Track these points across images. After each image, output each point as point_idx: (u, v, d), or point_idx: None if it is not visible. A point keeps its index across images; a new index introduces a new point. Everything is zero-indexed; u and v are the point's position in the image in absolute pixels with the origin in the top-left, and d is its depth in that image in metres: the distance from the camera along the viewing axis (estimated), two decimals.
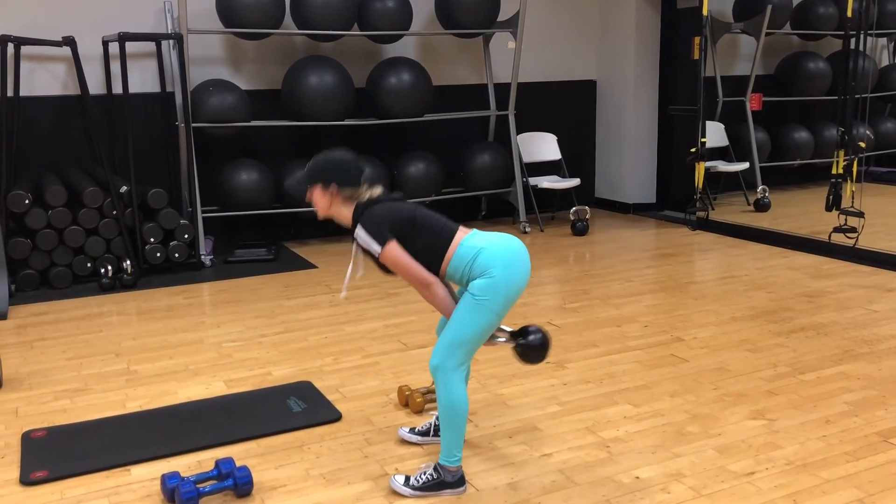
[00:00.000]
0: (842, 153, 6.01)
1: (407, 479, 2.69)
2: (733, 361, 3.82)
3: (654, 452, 2.94)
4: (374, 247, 2.62)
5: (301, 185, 2.72)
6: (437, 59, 7.04)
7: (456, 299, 2.70)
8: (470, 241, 2.65)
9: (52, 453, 3.00)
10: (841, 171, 6.00)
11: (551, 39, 7.61)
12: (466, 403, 2.65)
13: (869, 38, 7.03)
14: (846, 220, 5.79)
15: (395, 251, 2.62)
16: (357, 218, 2.67)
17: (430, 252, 2.65)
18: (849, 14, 5.97)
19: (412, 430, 3.06)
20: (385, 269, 2.71)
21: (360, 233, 2.65)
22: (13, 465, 2.94)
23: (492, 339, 2.74)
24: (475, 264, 2.60)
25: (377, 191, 2.73)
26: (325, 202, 2.71)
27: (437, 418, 2.90)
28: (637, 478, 2.76)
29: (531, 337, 2.75)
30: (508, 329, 2.80)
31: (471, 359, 2.73)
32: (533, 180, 7.10)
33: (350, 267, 2.79)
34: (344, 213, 2.72)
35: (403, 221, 2.66)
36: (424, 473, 2.68)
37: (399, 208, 2.70)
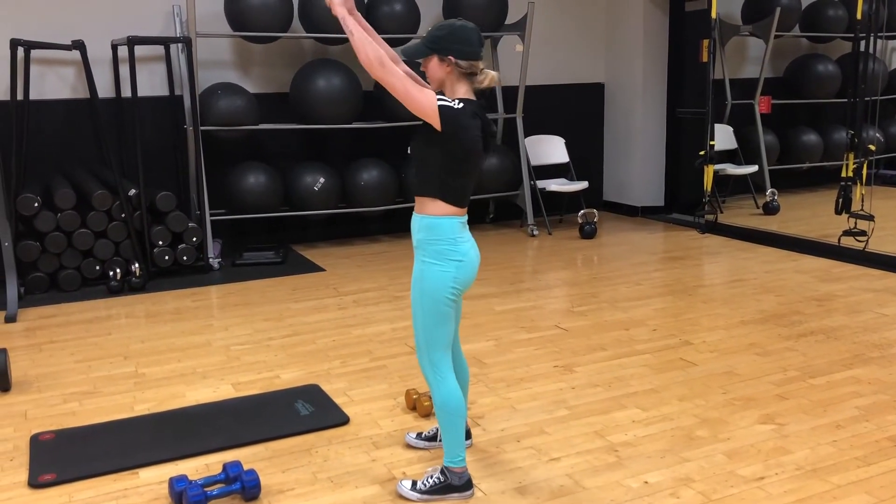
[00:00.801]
0: (851, 156, 5.98)
1: (414, 483, 2.69)
2: (742, 365, 3.81)
3: (662, 457, 2.92)
4: (443, 100, 2.45)
5: (420, 51, 2.57)
6: None
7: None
8: (460, 225, 2.58)
9: (60, 456, 3.00)
10: (850, 174, 5.97)
11: (559, 42, 7.60)
12: (460, 400, 2.64)
13: (879, 41, 7.00)
14: (856, 223, 5.76)
15: (430, 105, 2.43)
16: (463, 102, 2.49)
17: (440, 184, 2.53)
18: (858, 16, 5.94)
19: (419, 436, 3.06)
20: (418, 148, 2.57)
21: (455, 101, 2.47)
22: (22, 467, 2.94)
23: None
24: (442, 247, 2.54)
25: (492, 75, 2.58)
26: (440, 74, 2.55)
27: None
28: (646, 482, 2.75)
29: None
30: None
31: (452, 347, 2.72)
32: (541, 183, 7.09)
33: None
34: (457, 91, 2.54)
35: (468, 148, 2.50)
36: (431, 477, 2.67)
37: (478, 142, 2.53)
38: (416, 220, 2.65)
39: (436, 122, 2.47)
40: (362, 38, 2.51)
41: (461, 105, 2.51)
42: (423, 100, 2.47)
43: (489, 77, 2.59)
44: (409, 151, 2.64)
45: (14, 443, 3.15)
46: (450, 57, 2.54)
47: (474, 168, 2.60)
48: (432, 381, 2.64)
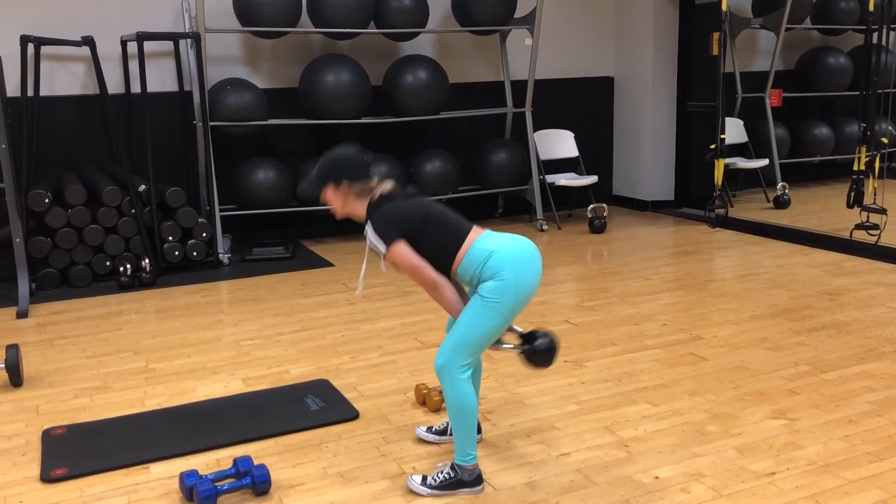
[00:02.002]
0: (864, 149, 5.93)
1: (424, 478, 2.68)
2: (753, 360, 3.79)
3: (673, 452, 2.91)
4: (381, 247, 2.61)
5: (314, 188, 2.72)
6: (453, 57, 7.02)
7: (465, 300, 2.67)
8: (482, 243, 2.61)
9: (71, 451, 3.02)
10: (863, 167, 5.92)
11: (568, 36, 7.57)
12: (474, 401, 2.64)
13: (892, 33, 6.94)
14: (868, 216, 5.72)
15: (401, 252, 2.59)
16: (370, 214, 2.66)
17: (442, 251, 2.62)
18: (871, 8, 5.89)
19: (429, 429, 3.06)
20: (397, 270, 2.69)
21: (368, 232, 2.64)
22: (34, 462, 2.96)
23: (497, 345, 2.70)
24: (486, 266, 2.57)
25: (388, 185, 2.72)
26: (339, 200, 2.71)
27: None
28: (656, 477, 2.74)
29: (538, 342, 2.70)
30: (519, 330, 2.77)
31: (476, 358, 2.71)
32: (550, 178, 7.07)
33: (364, 263, 2.80)
34: (359, 210, 2.71)
35: (414, 220, 2.64)
36: (441, 472, 2.67)
37: (411, 206, 2.68)
38: (457, 280, 2.71)
39: (405, 245, 2.60)
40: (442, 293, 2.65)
41: (375, 214, 2.64)
42: (405, 261, 2.60)
43: (385, 188, 2.71)
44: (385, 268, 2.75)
45: (26, 437, 3.16)
46: (343, 184, 2.67)
47: (437, 214, 2.68)
48: (449, 381, 2.61)
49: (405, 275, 2.67)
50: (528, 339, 2.73)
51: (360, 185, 2.68)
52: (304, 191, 2.76)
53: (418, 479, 2.69)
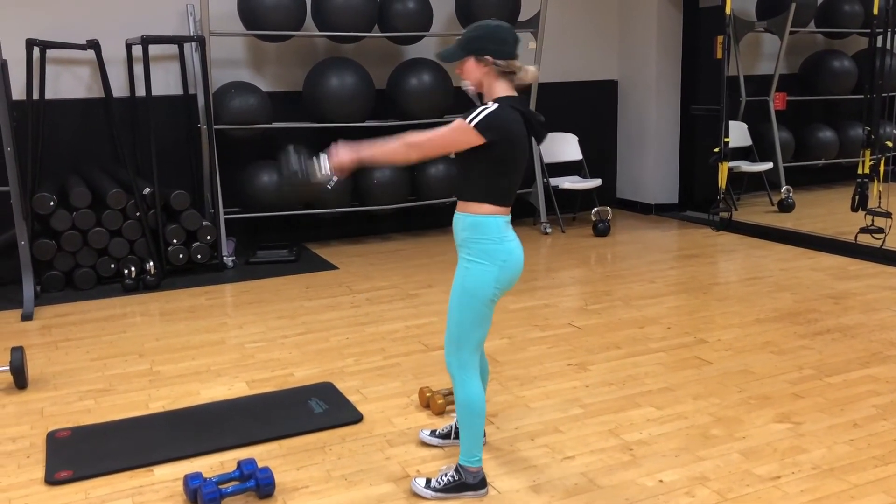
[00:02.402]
0: (868, 153, 5.92)
1: (428, 481, 2.68)
2: (758, 364, 3.78)
3: (677, 456, 2.91)
4: (473, 117, 2.44)
5: (454, 54, 2.55)
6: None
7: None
8: (505, 224, 2.57)
9: (76, 453, 3.02)
10: (867, 170, 5.92)
11: (572, 39, 7.57)
12: (483, 401, 2.64)
13: None
14: (873, 220, 5.71)
15: (466, 138, 2.44)
16: (500, 103, 2.49)
17: (486, 186, 2.52)
18: (875, 12, 5.88)
19: (433, 433, 3.05)
20: (456, 160, 2.56)
21: (489, 106, 2.47)
22: (38, 464, 2.96)
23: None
24: (487, 247, 2.53)
25: (531, 73, 2.59)
26: (477, 75, 2.54)
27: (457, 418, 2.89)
28: (661, 481, 2.73)
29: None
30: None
31: (482, 348, 2.71)
32: (554, 181, 7.07)
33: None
34: (495, 91, 2.53)
35: (510, 142, 2.49)
36: (445, 475, 2.67)
37: (522, 142, 2.54)
38: (460, 219, 2.62)
39: (479, 140, 2.46)
40: (385, 150, 2.55)
41: (495, 107, 2.49)
42: (459, 133, 2.46)
43: (529, 73, 2.60)
44: (452, 156, 2.61)
45: (31, 440, 3.17)
46: (487, 57, 2.52)
47: (520, 165, 2.59)
48: (458, 379, 2.62)
49: (465, 164, 2.54)
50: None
51: (504, 62, 2.52)
52: (443, 55, 2.59)
53: (422, 481, 2.69)
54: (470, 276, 2.56)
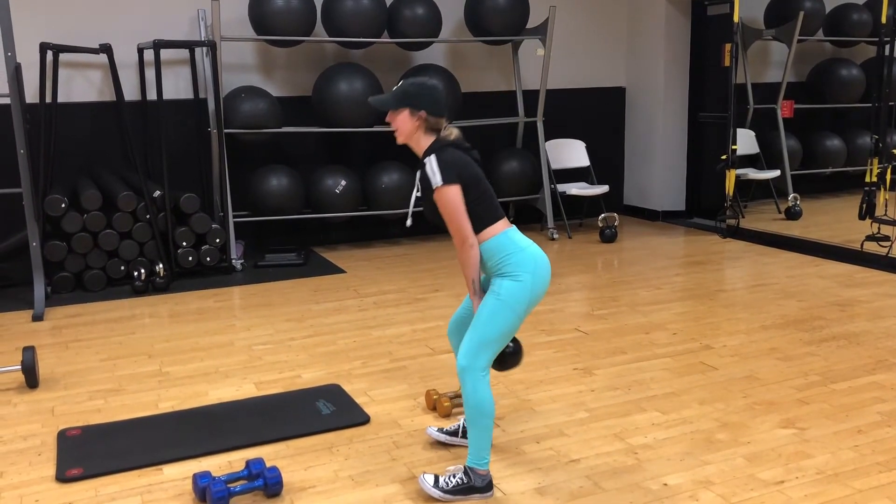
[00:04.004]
0: (875, 161, 5.93)
1: (436, 479, 2.70)
2: (763, 370, 3.79)
3: (682, 459, 2.93)
4: (437, 178, 2.60)
5: (390, 103, 2.69)
6: (465, 66, 7.07)
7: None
8: (513, 235, 2.69)
9: (86, 451, 3.06)
10: (874, 179, 5.92)
11: (580, 46, 7.61)
12: (493, 404, 2.66)
13: None
14: (879, 228, 5.71)
15: (454, 194, 2.60)
16: (435, 150, 2.66)
17: (478, 218, 2.65)
18: (883, 20, 5.89)
19: (441, 430, 3.08)
20: (433, 213, 2.69)
21: (430, 161, 2.63)
22: (49, 462, 3.00)
23: None
24: (510, 260, 2.63)
25: (455, 132, 2.74)
26: (408, 126, 2.69)
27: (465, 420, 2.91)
28: (665, 484, 2.75)
29: (508, 346, 2.76)
30: None
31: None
32: (561, 187, 7.10)
33: (413, 195, 2.80)
34: (422, 143, 2.70)
35: (471, 175, 2.66)
36: (454, 477, 2.69)
37: (472, 164, 2.71)
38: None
39: (458, 188, 2.63)
40: (469, 272, 2.67)
41: (434, 157, 2.64)
42: (451, 198, 2.61)
43: (453, 133, 2.73)
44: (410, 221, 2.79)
45: (42, 438, 3.20)
46: (422, 112, 2.67)
47: (485, 183, 2.72)
48: (470, 383, 2.64)
49: (442, 219, 2.66)
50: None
51: (434, 119, 2.68)
52: (378, 102, 2.73)
53: (430, 479, 2.71)
54: (504, 288, 2.63)
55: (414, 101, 2.67)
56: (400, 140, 2.75)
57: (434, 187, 2.61)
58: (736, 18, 6.68)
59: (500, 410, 3.38)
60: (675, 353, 4.05)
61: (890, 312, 4.63)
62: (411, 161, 6.62)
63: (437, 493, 2.67)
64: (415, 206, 2.84)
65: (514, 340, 2.82)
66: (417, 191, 2.76)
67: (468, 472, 2.68)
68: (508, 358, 2.82)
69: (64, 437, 3.18)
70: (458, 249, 2.68)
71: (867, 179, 6.02)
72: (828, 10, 7.95)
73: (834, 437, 3.07)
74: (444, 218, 2.65)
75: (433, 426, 3.11)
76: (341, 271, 5.92)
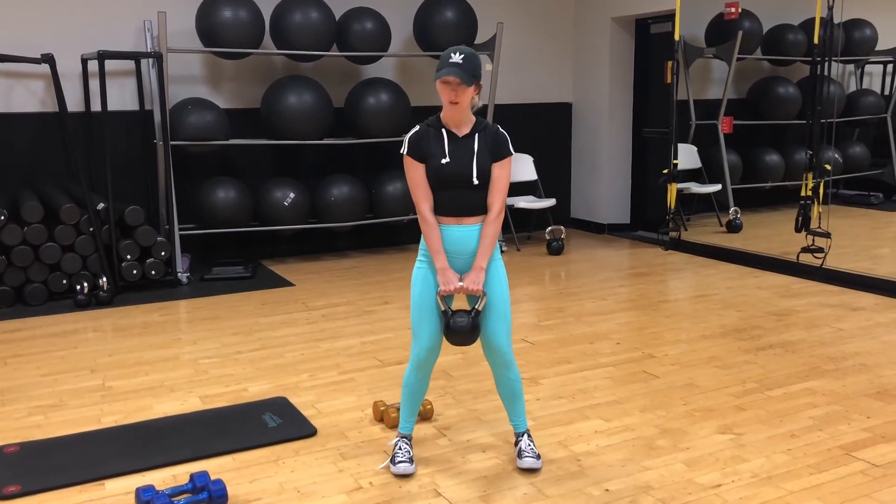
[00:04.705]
0: (810, 175, 6.15)
1: (529, 450, 2.95)
2: (703, 378, 3.90)
3: (623, 466, 2.99)
4: (511, 149, 2.81)
5: (468, 81, 2.69)
6: (415, 80, 7.12)
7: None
8: None
9: (25, 468, 2.99)
10: (809, 192, 6.14)
11: (527, 62, 7.73)
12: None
13: (839, 65, 7.21)
14: (813, 240, 5.92)
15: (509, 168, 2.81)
16: (486, 125, 2.81)
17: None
18: (815, 41, 6.13)
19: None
20: (483, 175, 2.75)
21: (502, 132, 2.81)
22: None
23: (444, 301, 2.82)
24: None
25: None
26: (469, 98, 2.75)
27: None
28: (606, 490, 2.81)
29: (460, 320, 2.77)
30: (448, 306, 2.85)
31: None
32: (509, 200, 7.18)
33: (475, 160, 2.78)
34: (470, 113, 2.81)
35: None
36: (531, 444, 2.97)
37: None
38: (476, 230, 2.83)
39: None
40: (493, 239, 2.83)
41: (491, 124, 2.87)
42: (510, 166, 2.85)
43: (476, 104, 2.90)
44: (475, 181, 2.80)
45: None
46: (481, 83, 2.79)
47: None
48: (514, 363, 2.91)
49: (480, 186, 2.76)
50: (455, 313, 2.81)
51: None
52: (466, 79, 2.68)
53: (530, 451, 2.94)
54: (503, 270, 2.89)
55: (478, 74, 2.74)
56: (458, 114, 2.76)
57: (510, 154, 2.79)
58: (677, 37, 6.87)
59: (447, 420, 3.41)
60: (618, 362, 4.14)
61: (824, 322, 4.80)
62: (361, 173, 6.68)
63: (540, 462, 2.94)
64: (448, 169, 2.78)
65: (465, 316, 2.78)
66: (446, 157, 2.76)
67: (530, 434, 3.02)
68: (453, 333, 2.81)
69: (1, 454, 3.11)
70: (498, 217, 2.80)
71: (803, 193, 6.23)
72: (765, 30, 8.23)
73: (769, 442, 3.18)
74: (501, 185, 2.77)
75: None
76: (290, 284, 5.90)
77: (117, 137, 5.98)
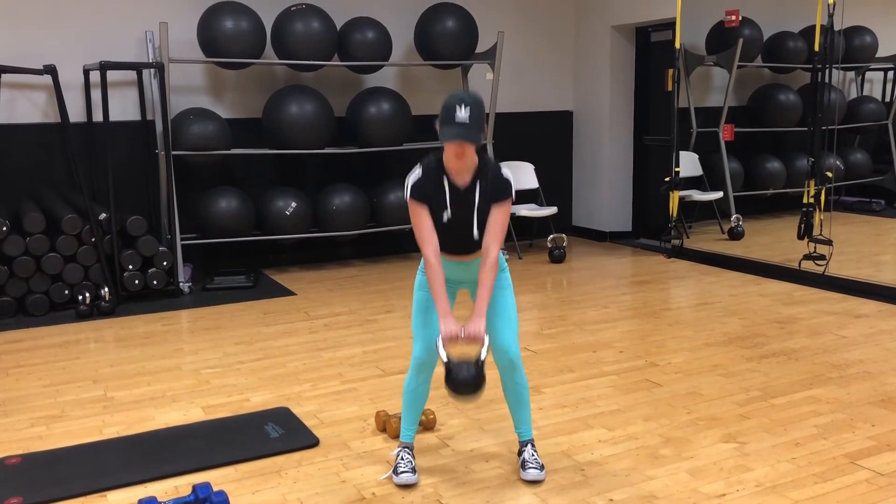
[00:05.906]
0: (812, 182, 6.15)
1: (533, 462, 2.95)
2: (706, 386, 3.89)
3: (627, 475, 2.98)
4: (512, 192, 2.79)
5: (478, 140, 2.66)
6: (416, 89, 7.14)
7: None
8: None
9: (27, 480, 2.98)
10: (811, 200, 6.13)
11: (529, 71, 7.75)
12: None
13: (839, 72, 7.22)
14: (815, 247, 5.91)
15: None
16: (493, 165, 2.80)
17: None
18: (816, 48, 6.14)
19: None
20: (482, 217, 2.76)
21: (508, 173, 2.80)
22: None
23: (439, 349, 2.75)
24: (502, 257, 2.92)
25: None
26: (473, 149, 2.71)
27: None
28: (611, 500, 2.80)
29: (462, 373, 2.67)
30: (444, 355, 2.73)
31: None
32: (511, 208, 7.17)
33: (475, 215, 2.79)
34: (474, 158, 2.76)
35: None
36: (534, 455, 2.96)
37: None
38: (476, 264, 2.84)
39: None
40: (491, 281, 2.78)
41: (500, 166, 2.87)
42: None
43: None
44: (476, 235, 2.80)
45: None
46: (486, 128, 2.77)
47: None
48: (521, 367, 2.93)
49: (478, 226, 2.77)
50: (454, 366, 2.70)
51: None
52: (471, 140, 2.64)
53: (534, 462, 2.94)
54: (509, 281, 2.93)
55: (484, 122, 2.71)
56: (463, 164, 2.71)
57: (510, 197, 2.78)
58: (677, 44, 6.88)
59: (450, 430, 3.40)
60: (621, 370, 4.13)
61: (826, 329, 4.79)
62: (362, 182, 6.68)
63: (543, 473, 2.93)
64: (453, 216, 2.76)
65: (470, 369, 2.69)
66: (449, 211, 2.74)
67: (534, 443, 3.02)
68: (453, 382, 2.73)
69: (3, 466, 3.10)
70: (493, 266, 2.76)
71: (804, 200, 6.23)
72: (766, 37, 8.24)
73: (773, 451, 3.16)
74: (500, 226, 2.76)
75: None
76: (292, 293, 5.89)
77: (119, 148, 5.99)
